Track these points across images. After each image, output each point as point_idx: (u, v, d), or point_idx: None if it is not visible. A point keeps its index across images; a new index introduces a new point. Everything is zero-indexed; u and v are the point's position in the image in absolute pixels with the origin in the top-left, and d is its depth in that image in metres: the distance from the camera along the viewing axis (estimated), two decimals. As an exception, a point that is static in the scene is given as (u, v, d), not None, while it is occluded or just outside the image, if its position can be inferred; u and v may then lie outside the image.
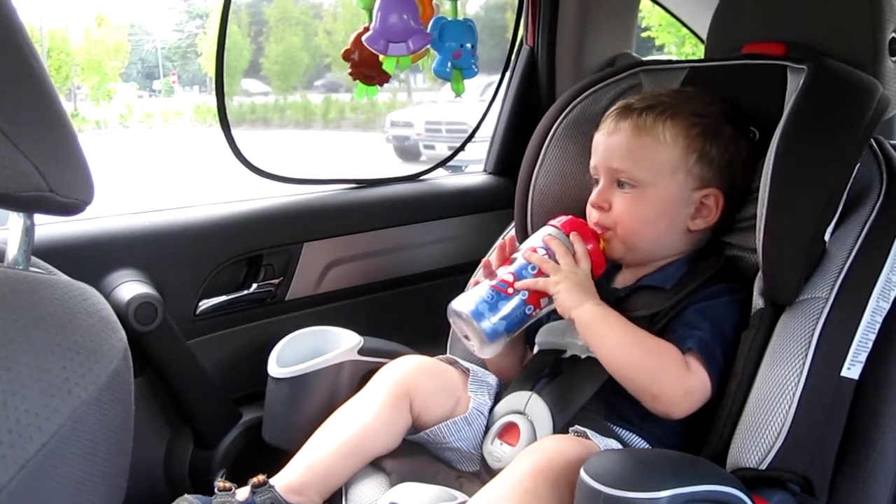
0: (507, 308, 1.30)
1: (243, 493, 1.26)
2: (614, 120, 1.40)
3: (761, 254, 1.25)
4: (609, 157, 1.39)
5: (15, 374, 0.76)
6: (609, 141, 1.40)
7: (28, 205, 0.89)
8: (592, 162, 1.43)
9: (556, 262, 1.33)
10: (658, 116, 1.36)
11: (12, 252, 0.95)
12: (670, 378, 1.23)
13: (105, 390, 0.85)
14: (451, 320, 1.35)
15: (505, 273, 1.34)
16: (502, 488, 1.11)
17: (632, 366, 1.25)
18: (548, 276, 1.31)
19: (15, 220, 0.94)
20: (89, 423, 0.83)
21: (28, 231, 0.94)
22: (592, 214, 1.41)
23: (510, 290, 1.31)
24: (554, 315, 1.43)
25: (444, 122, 10.21)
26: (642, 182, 1.35)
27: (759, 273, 1.28)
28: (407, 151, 11.04)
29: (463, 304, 1.31)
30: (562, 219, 1.40)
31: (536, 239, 1.39)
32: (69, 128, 0.90)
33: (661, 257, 1.40)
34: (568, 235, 1.37)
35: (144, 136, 17.11)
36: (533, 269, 1.33)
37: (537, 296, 1.32)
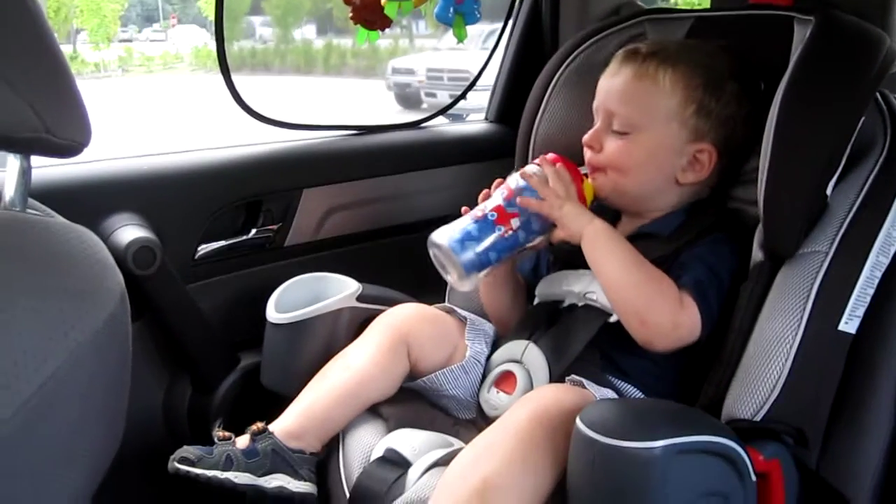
0: (479, 231, 1.30)
1: (243, 441, 1.27)
2: (619, 63, 1.39)
3: (762, 205, 1.24)
4: (607, 98, 1.39)
5: (11, 316, 0.76)
6: (610, 83, 1.39)
7: (25, 146, 0.89)
8: (594, 102, 1.42)
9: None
10: (661, 63, 1.35)
11: (9, 194, 0.94)
12: (663, 306, 1.23)
13: (102, 333, 0.85)
14: (431, 254, 1.35)
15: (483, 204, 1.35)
16: (499, 435, 1.12)
17: (630, 285, 1.25)
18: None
19: (12, 161, 0.94)
20: (86, 365, 0.83)
21: (25, 173, 0.94)
22: (585, 153, 1.41)
23: (479, 214, 1.32)
24: (553, 267, 1.43)
25: (445, 69, 10.12)
26: (635, 126, 1.35)
27: (760, 226, 1.27)
28: (408, 99, 10.97)
29: (440, 234, 1.31)
30: (545, 157, 1.39)
31: (514, 177, 1.38)
32: (66, 70, 0.89)
33: (652, 208, 1.40)
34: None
35: (144, 80, 17.00)
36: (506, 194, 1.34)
37: (507, 216, 1.31)
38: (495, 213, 1.31)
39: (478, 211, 1.33)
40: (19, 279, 0.80)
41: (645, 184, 1.38)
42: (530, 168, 1.38)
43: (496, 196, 1.35)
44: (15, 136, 0.83)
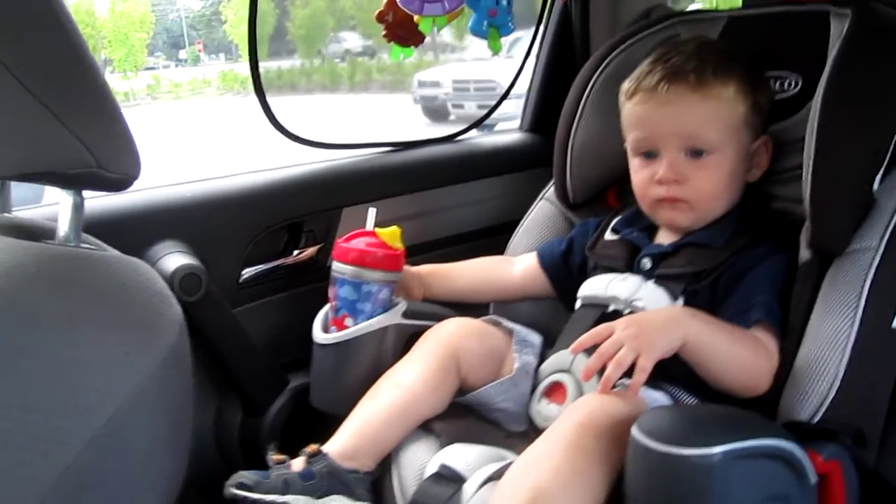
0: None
1: (298, 463, 1.26)
2: (667, 85, 1.32)
3: (808, 202, 1.23)
4: (676, 125, 1.33)
5: (77, 352, 0.77)
6: (667, 111, 1.33)
7: (77, 182, 0.90)
8: (640, 134, 1.37)
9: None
10: (715, 75, 1.31)
11: (63, 229, 0.96)
12: (763, 369, 1.21)
13: (165, 364, 0.86)
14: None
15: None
16: (547, 445, 1.12)
17: (737, 371, 1.22)
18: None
19: (64, 197, 0.95)
20: (151, 397, 0.84)
21: (78, 208, 0.95)
22: (657, 190, 1.36)
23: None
24: (597, 270, 1.42)
25: (471, 80, 10.15)
26: (716, 147, 1.31)
27: (806, 224, 1.26)
28: (435, 111, 10.99)
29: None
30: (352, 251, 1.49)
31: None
32: (114, 104, 0.90)
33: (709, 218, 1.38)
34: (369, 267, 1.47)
35: (172, 106, 17.16)
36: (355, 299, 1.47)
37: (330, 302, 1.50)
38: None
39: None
40: (81, 314, 0.81)
41: (728, 202, 1.37)
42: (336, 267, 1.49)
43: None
44: (68, 172, 0.84)
